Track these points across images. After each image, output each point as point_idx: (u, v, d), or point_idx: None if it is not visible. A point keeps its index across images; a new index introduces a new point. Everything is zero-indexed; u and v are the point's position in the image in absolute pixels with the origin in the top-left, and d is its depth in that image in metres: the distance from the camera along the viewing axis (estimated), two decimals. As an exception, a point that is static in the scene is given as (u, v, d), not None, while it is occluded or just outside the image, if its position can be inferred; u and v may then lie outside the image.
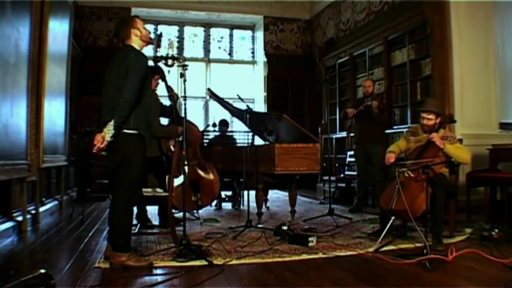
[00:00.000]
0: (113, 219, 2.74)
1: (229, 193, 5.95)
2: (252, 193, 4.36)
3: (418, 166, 3.18)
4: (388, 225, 3.24)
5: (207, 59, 9.19)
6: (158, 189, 3.63)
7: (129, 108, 2.62)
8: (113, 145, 2.64)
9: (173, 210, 3.60)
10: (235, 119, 5.79)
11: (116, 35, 2.95)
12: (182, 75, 3.23)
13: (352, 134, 5.70)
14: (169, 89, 3.99)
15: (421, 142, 3.49)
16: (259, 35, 9.18)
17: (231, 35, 9.41)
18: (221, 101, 5.25)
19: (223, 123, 5.94)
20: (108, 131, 2.58)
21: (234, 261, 2.85)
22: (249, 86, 9.35)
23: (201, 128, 5.57)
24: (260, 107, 8.84)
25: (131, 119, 2.66)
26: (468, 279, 2.47)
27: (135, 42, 2.81)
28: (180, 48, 8.92)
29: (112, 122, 2.58)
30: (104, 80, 2.77)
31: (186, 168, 3.35)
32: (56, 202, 5.44)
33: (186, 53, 8.95)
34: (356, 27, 7.29)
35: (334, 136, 7.08)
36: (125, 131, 2.66)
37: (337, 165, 6.50)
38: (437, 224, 3.14)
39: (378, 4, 6.70)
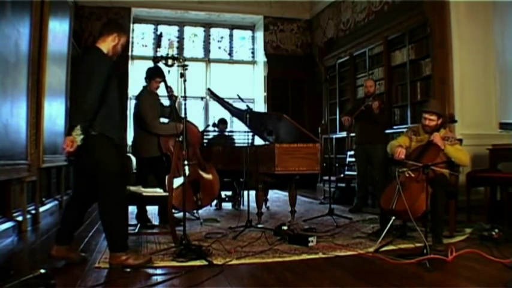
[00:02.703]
0: (105, 221, 2.72)
1: (229, 193, 5.94)
2: (252, 193, 4.36)
3: (420, 166, 3.17)
4: (388, 225, 3.23)
5: (207, 59, 9.18)
6: (158, 189, 3.63)
7: (93, 112, 2.61)
8: (84, 147, 2.63)
9: (173, 210, 3.59)
10: (235, 119, 5.79)
11: (103, 26, 2.87)
12: (182, 75, 3.23)
13: (352, 134, 5.70)
14: (169, 89, 3.99)
15: (422, 142, 3.48)
16: (259, 35, 9.18)
17: (231, 35, 9.41)
18: (221, 101, 5.24)
19: (222, 122, 5.94)
20: (77, 135, 2.57)
21: (234, 261, 2.85)
22: (249, 86, 9.35)
23: (201, 128, 5.56)
24: (260, 107, 8.84)
25: (97, 122, 2.65)
26: (468, 279, 2.47)
27: (106, 45, 2.77)
28: (180, 48, 8.92)
29: (79, 126, 2.58)
30: (73, 82, 2.77)
31: (186, 168, 3.35)
32: (56, 202, 5.44)
33: (186, 53, 8.95)
34: (356, 27, 7.28)
35: (334, 136, 7.08)
36: (93, 133, 2.66)
37: (337, 165, 6.51)
38: (438, 224, 3.13)
39: (377, 4, 6.70)
